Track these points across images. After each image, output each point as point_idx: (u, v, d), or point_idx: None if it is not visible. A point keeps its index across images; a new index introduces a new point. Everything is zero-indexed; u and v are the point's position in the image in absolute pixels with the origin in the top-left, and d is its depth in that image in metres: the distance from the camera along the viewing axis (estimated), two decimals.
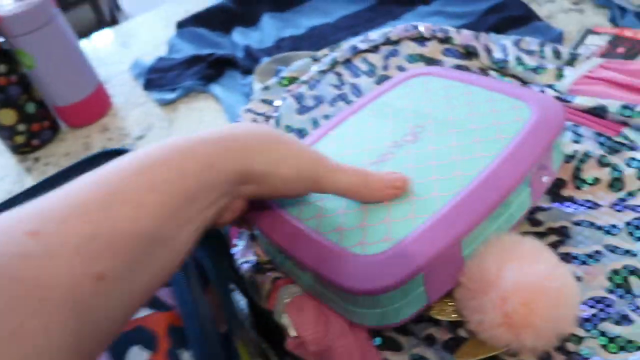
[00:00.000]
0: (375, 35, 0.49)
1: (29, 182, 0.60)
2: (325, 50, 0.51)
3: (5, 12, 0.56)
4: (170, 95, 0.64)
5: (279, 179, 0.27)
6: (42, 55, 0.59)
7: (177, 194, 0.23)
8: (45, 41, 0.58)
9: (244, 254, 0.36)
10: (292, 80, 0.49)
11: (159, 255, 0.22)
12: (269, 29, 0.70)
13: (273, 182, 0.27)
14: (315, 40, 0.67)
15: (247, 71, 0.63)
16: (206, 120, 0.61)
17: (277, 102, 0.46)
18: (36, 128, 0.63)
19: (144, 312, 0.26)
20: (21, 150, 0.63)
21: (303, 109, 0.44)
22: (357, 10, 0.70)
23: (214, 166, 0.24)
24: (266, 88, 0.49)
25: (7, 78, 0.59)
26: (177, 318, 0.25)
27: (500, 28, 0.58)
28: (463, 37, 0.47)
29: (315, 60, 0.50)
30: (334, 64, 0.47)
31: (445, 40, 0.47)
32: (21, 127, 0.62)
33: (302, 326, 0.28)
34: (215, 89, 0.63)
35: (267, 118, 0.44)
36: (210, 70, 0.65)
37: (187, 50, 0.71)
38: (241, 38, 0.70)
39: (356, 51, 0.48)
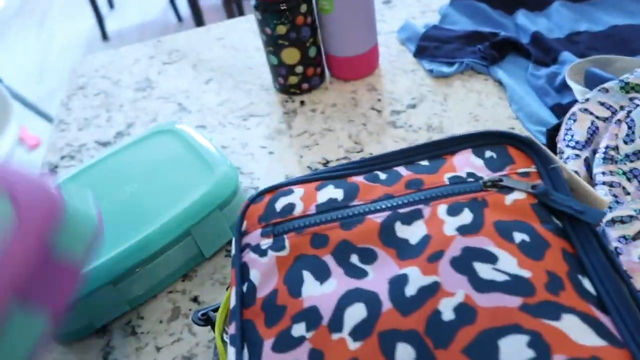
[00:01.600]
0: None
1: (296, 123, 0.61)
2: None
3: None
4: (447, 69, 0.61)
5: None
6: (342, 2, 0.58)
7: None
8: None
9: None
10: (636, 87, 0.44)
11: None
12: (561, 18, 0.64)
13: None
14: (616, 41, 0.60)
15: (539, 62, 0.58)
16: (487, 105, 0.58)
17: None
18: (310, 73, 0.63)
19: (593, 341, 0.23)
20: (291, 90, 0.64)
21: None
22: None
23: None
24: (604, 90, 0.45)
25: (304, 18, 0.59)
26: (631, 359, 0.23)
27: None
28: None
29: None
30: None
31: None
32: (299, 69, 0.62)
33: None
34: (499, 72, 0.59)
35: (618, 122, 0.40)
36: (493, 50, 0.61)
37: (464, 23, 0.67)
38: (527, 22, 0.64)
39: None
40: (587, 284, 0.26)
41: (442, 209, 0.30)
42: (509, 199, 0.29)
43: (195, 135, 0.54)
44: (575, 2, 0.67)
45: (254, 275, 0.30)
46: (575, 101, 0.52)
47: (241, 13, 2.31)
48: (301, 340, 0.26)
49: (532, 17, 0.66)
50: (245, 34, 0.79)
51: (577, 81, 0.51)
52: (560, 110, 0.52)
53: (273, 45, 0.60)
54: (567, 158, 0.40)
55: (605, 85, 0.44)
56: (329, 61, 0.65)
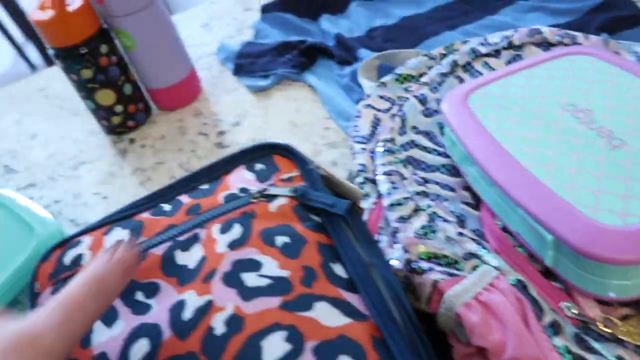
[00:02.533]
0: (496, 38, 0.49)
1: (127, 163, 0.61)
2: (440, 49, 0.50)
3: None
4: (263, 82, 0.64)
5: None
6: (142, 36, 0.59)
7: None
8: (145, 22, 0.58)
9: (388, 251, 0.37)
10: (408, 77, 0.49)
11: None
12: (359, 17, 0.70)
13: None
14: (407, 31, 0.66)
15: (343, 61, 0.63)
16: (303, 110, 0.61)
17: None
18: (132, 109, 0.64)
19: (340, 321, 0.26)
20: (118, 130, 0.64)
21: (428, 112, 0.44)
22: (450, 1, 0.69)
23: None
24: (382, 84, 0.49)
25: (108, 58, 0.59)
26: (376, 329, 0.26)
27: (609, 29, 0.57)
28: (591, 42, 0.46)
29: (431, 59, 0.49)
30: (454, 66, 0.47)
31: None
32: (118, 108, 0.62)
33: (481, 334, 0.29)
34: (310, 78, 0.63)
35: (393, 116, 0.44)
36: (303, 58, 0.65)
37: (275, 35, 0.71)
38: (330, 26, 0.69)
39: (476, 54, 0.48)
40: (339, 269, 0.29)
41: (215, 228, 0.31)
42: (274, 205, 0.32)
43: (17, 198, 0.52)
44: (370, 0, 0.73)
45: None
46: None
47: None
48: None
49: (335, 20, 0.71)
50: (67, 81, 0.78)
51: (370, 78, 0.56)
52: None
53: (84, 90, 0.60)
54: (356, 153, 0.44)
55: (383, 79, 0.49)
56: (151, 94, 0.66)
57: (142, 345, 0.27)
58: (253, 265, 0.29)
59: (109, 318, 0.30)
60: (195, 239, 0.31)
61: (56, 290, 0.32)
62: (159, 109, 0.68)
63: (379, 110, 0.47)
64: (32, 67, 2.80)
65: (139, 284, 0.30)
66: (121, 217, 0.35)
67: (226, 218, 0.32)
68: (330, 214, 0.31)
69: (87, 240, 0.34)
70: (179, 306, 0.28)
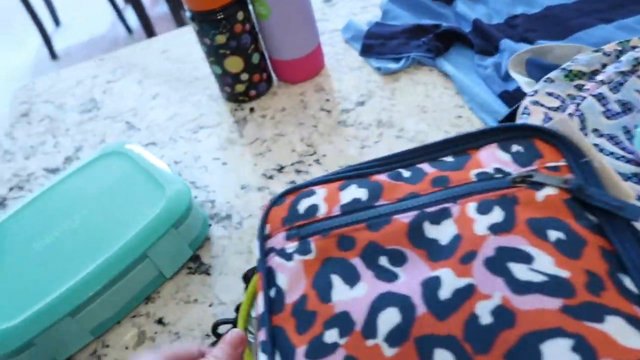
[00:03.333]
0: None
1: (247, 131, 0.61)
2: (613, 45, 0.46)
3: None
4: (394, 65, 0.62)
5: None
6: (278, 6, 0.58)
7: None
8: None
9: None
10: (578, 74, 0.45)
11: None
12: (498, 3, 0.66)
13: None
14: (552, 21, 0.61)
15: (482, 51, 0.59)
16: (433, 96, 0.58)
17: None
18: (256, 79, 0.63)
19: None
20: (239, 98, 0.64)
21: (610, 113, 0.40)
22: None
23: None
24: (549, 80, 0.45)
25: (242, 26, 0.58)
26: None
27: None
28: None
29: (606, 55, 0.45)
30: (636, 64, 0.42)
31: None
32: (244, 76, 0.62)
33: None
34: (445, 64, 0.60)
35: (570, 115, 0.41)
36: (437, 42, 0.62)
37: (406, 18, 0.68)
38: (466, 10, 0.65)
39: None
40: (628, 283, 0.25)
41: (471, 207, 0.29)
42: (540, 195, 0.28)
43: (145, 154, 0.53)
44: None
45: (281, 280, 0.30)
46: (521, 87, 0.53)
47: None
48: (335, 347, 0.26)
49: (471, 5, 0.67)
50: (189, 44, 0.78)
51: (519, 72, 0.52)
52: (507, 97, 0.53)
53: (214, 55, 0.60)
54: None
55: (550, 75, 0.45)
56: (274, 65, 0.65)
57: (391, 314, 0.26)
58: (523, 257, 0.26)
59: (350, 277, 0.28)
60: (446, 213, 0.29)
61: (290, 236, 0.31)
62: (279, 81, 0.67)
63: (549, 108, 0.43)
64: (129, 31, 2.91)
65: (383, 249, 0.29)
66: (356, 174, 0.34)
67: (482, 197, 0.29)
68: (611, 216, 0.27)
69: (321, 191, 0.33)
70: (434, 283, 0.26)
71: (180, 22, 2.17)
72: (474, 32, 0.62)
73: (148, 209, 0.47)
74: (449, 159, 0.33)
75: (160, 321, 0.45)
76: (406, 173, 0.32)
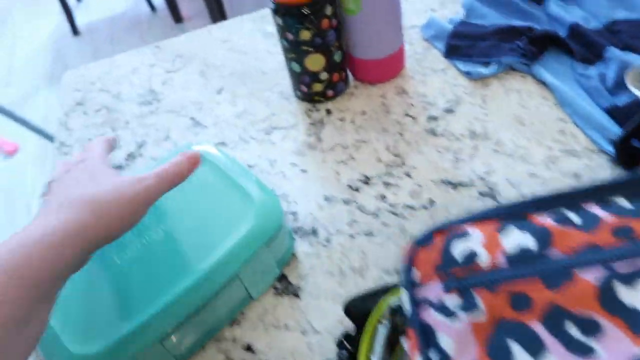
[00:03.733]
0: None
1: (325, 135, 0.57)
2: None
3: None
4: (484, 70, 0.57)
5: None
6: (369, 1, 0.53)
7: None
8: None
9: None
10: None
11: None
12: (596, 6, 0.61)
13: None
14: None
15: (583, 58, 0.55)
16: (530, 106, 0.54)
17: None
18: (335, 78, 0.59)
19: None
20: (315, 98, 0.60)
21: None
22: None
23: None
24: None
25: (329, 21, 0.54)
26: None
27: None
28: None
29: None
30: None
31: None
32: (324, 75, 0.58)
33: None
34: (541, 71, 0.56)
35: None
36: (532, 46, 0.57)
37: (493, 17, 0.63)
38: (561, 12, 0.61)
39: None
40: None
41: None
42: None
43: (226, 157, 0.49)
44: None
45: (446, 342, 0.26)
46: (633, 102, 0.49)
47: (219, 2, 2.22)
48: None
49: (564, 6, 0.62)
50: (251, 34, 0.74)
51: (637, 86, 0.48)
52: (617, 113, 0.49)
53: (296, 51, 0.55)
54: None
55: None
56: (353, 64, 0.60)
57: None
58: None
59: (534, 347, 0.25)
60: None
61: (448, 287, 0.27)
62: (355, 80, 0.63)
63: None
64: (153, 8, 2.85)
65: (568, 314, 0.25)
66: (512, 212, 0.30)
67: None
68: None
69: (477, 234, 0.29)
70: None
71: (208, 3, 2.11)
72: (572, 37, 0.58)
73: (238, 224, 0.43)
74: (624, 202, 0.29)
75: (249, 348, 0.42)
76: (575, 217, 0.28)
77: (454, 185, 0.49)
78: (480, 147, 0.52)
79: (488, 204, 0.47)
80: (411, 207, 0.48)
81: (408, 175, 0.51)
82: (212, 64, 0.70)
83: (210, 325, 0.43)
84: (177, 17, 2.66)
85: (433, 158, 0.52)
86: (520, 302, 0.26)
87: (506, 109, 0.55)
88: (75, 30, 2.79)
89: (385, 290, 0.37)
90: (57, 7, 2.97)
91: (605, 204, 0.29)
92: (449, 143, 0.53)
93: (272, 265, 0.45)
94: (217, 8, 2.13)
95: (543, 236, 0.28)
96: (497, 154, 0.51)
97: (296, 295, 0.45)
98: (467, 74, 0.58)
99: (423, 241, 0.30)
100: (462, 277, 0.27)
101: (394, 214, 0.48)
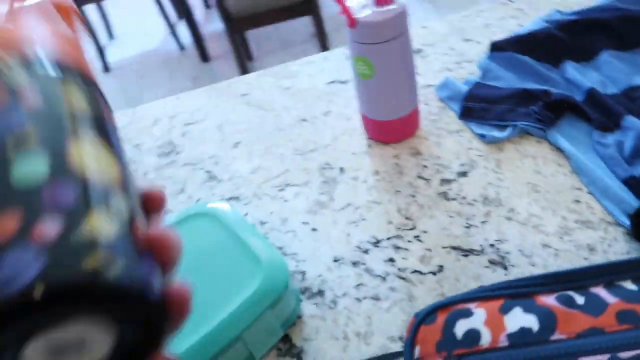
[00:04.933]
0: None
1: (337, 194, 0.57)
2: None
3: (363, 17, 0.52)
4: (499, 134, 0.58)
5: None
6: (382, 66, 0.54)
7: None
8: (391, 53, 0.54)
9: None
10: None
11: None
12: (613, 70, 0.61)
13: None
14: None
15: (602, 126, 0.55)
16: (544, 173, 0.54)
17: None
18: None
19: None
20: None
21: None
22: None
23: None
24: None
25: None
26: None
27: None
28: None
29: None
30: None
31: None
32: None
33: None
34: (557, 138, 0.55)
35: None
36: (548, 111, 0.57)
37: (509, 79, 0.64)
38: (578, 77, 0.61)
39: None
40: None
41: None
42: None
43: (235, 217, 0.49)
44: (625, 50, 0.63)
45: None
46: None
47: (244, 41, 2.28)
48: None
49: (581, 69, 0.62)
50: (270, 89, 0.76)
51: None
52: (634, 184, 0.48)
53: None
54: None
55: None
56: (367, 124, 0.61)
57: None
58: None
59: None
60: None
61: None
62: (369, 139, 0.63)
63: None
64: (181, 47, 2.95)
65: None
66: (515, 292, 0.30)
67: None
68: None
69: (479, 312, 0.29)
70: None
71: (233, 44, 2.17)
72: (590, 103, 0.57)
73: (243, 285, 0.43)
74: (630, 285, 0.28)
75: None
76: (579, 299, 0.28)
77: (465, 252, 0.49)
78: (493, 214, 0.51)
79: (498, 272, 0.46)
80: (420, 272, 0.48)
81: (418, 239, 0.51)
82: (230, 118, 0.72)
83: None
84: (204, 56, 2.74)
85: (444, 223, 0.52)
86: None
87: (521, 174, 0.54)
88: (106, 67, 2.89)
89: (389, 358, 0.36)
90: (90, 45, 3.09)
91: (611, 286, 0.29)
92: (461, 208, 0.53)
93: (276, 327, 0.44)
94: (243, 49, 2.19)
95: (546, 318, 0.27)
96: (510, 222, 0.50)
97: (299, 358, 0.44)
98: (482, 137, 0.58)
99: (425, 318, 0.29)
100: (463, 356, 0.27)
101: (402, 278, 0.48)
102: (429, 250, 0.50)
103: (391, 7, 0.52)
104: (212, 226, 0.49)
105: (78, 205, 0.18)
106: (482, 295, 0.30)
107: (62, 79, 0.21)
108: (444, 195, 0.54)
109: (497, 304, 0.29)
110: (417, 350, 0.29)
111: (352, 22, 0.52)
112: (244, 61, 2.23)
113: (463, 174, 0.56)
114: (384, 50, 0.53)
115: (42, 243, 0.16)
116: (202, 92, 0.79)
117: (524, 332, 0.27)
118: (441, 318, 0.29)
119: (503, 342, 0.27)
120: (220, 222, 0.49)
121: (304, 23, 2.85)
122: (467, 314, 0.29)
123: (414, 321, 0.30)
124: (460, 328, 0.28)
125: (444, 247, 0.49)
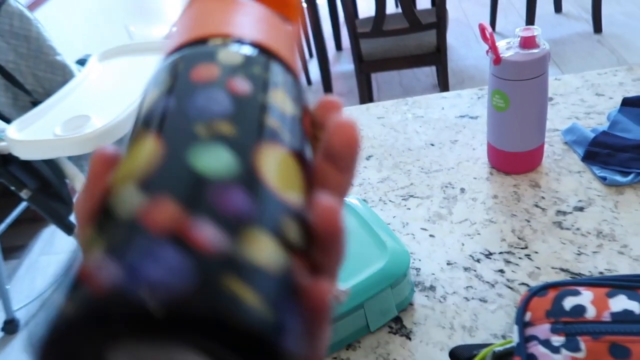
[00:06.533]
0: None
1: (456, 209, 0.63)
2: None
3: (509, 56, 0.59)
4: (622, 178, 0.61)
5: None
6: (518, 101, 0.60)
7: None
8: (530, 90, 0.60)
9: None
10: None
11: None
12: None
13: None
14: None
15: None
16: None
17: None
18: None
19: None
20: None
21: None
22: None
23: None
24: None
25: None
26: None
27: None
28: None
29: None
30: None
31: None
32: None
33: None
34: None
35: None
36: None
37: (637, 132, 0.67)
38: None
39: None
40: None
41: None
42: None
43: (367, 210, 0.57)
44: None
45: None
46: None
47: (368, 83, 2.42)
48: None
49: None
50: (404, 115, 0.84)
51: None
52: None
53: None
54: None
55: None
56: (493, 153, 0.67)
57: None
58: None
59: None
60: None
61: (556, 330, 0.33)
62: (491, 167, 0.69)
63: None
64: (309, 82, 3.16)
65: None
66: (621, 284, 0.35)
67: None
68: None
69: (587, 293, 0.34)
70: None
71: (359, 82, 2.31)
72: None
73: (371, 264, 0.51)
74: None
75: None
76: None
77: (573, 275, 0.53)
78: (606, 247, 0.55)
79: None
80: (527, 285, 0.52)
81: (529, 257, 0.55)
82: (366, 135, 0.81)
83: (332, 343, 0.49)
84: (330, 92, 2.92)
85: (556, 247, 0.56)
86: (620, 352, 0.30)
87: (637, 217, 0.57)
88: None
89: (491, 345, 0.42)
90: None
91: None
92: (574, 237, 0.57)
93: (391, 306, 0.51)
94: (367, 89, 2.33)
95: None
96: (622, 256, 0.53)
97: (408, 337, 0.50)
98: (603, 179, 0.62)
99: (537, 291, 0.35)
100: (569, 323, 0.32)
101: (510, 287, 0.53)
102: (538, 268, 0.54)
103: (535, 50, 0.58)
104: (347, 216, 0.58)
105: (247, 220, 0.15)
106: (591, 282, 0.35)
107: (271, 72, 0.20)
108: (559, 224, 0.59)
109: (604, 290, 0.34)
110: (527, 316, 0.34)
111: (498, 60, 0.59)
112: (366, 101, 2.37)
113: (580, 208, 0.60)
114: (522, 87, 0.60)
115: (196, 251, 0.13)
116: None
117: (627, 312, 0.32)
118: (552, 293, 0.35)
119: (606, 317, 0.32)
120: (354, 211, 0.57)
121: (426, 73, 2.95)
122: (576, 293, 0.34)
123: (527, 294, 0.35)
124: (569, 303, 0.34)
125: (553, 268, 0.54)
